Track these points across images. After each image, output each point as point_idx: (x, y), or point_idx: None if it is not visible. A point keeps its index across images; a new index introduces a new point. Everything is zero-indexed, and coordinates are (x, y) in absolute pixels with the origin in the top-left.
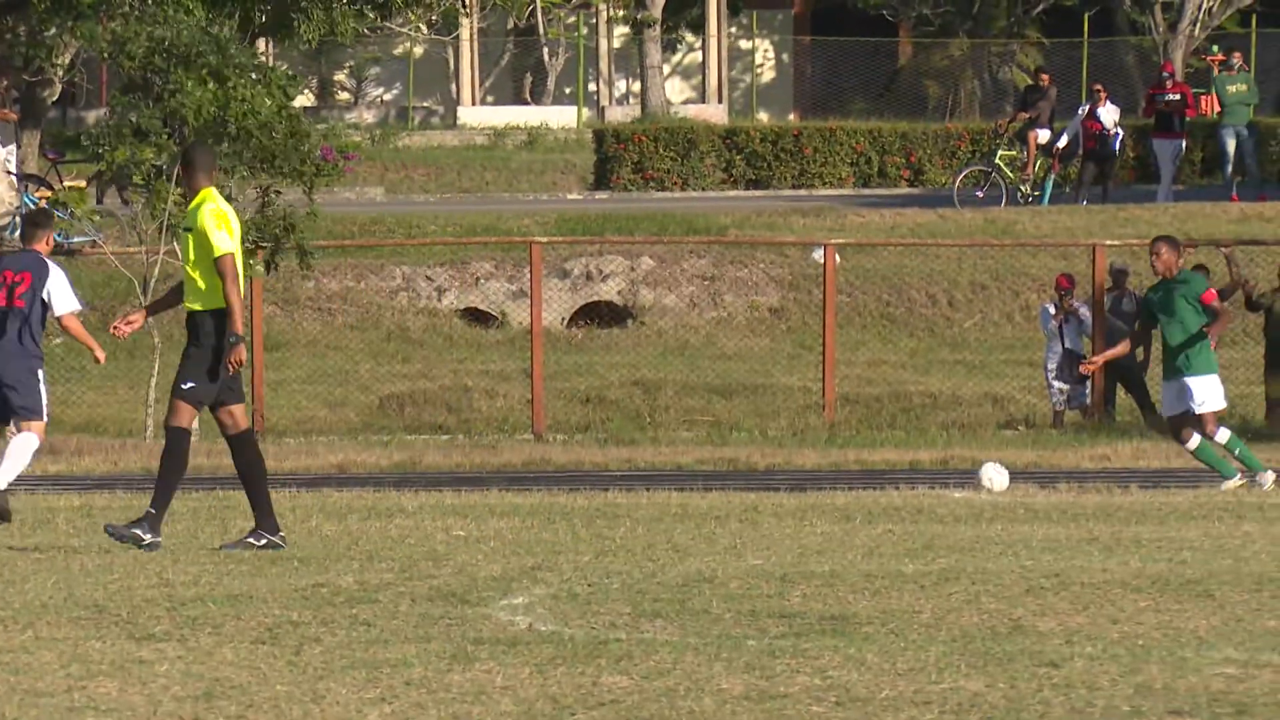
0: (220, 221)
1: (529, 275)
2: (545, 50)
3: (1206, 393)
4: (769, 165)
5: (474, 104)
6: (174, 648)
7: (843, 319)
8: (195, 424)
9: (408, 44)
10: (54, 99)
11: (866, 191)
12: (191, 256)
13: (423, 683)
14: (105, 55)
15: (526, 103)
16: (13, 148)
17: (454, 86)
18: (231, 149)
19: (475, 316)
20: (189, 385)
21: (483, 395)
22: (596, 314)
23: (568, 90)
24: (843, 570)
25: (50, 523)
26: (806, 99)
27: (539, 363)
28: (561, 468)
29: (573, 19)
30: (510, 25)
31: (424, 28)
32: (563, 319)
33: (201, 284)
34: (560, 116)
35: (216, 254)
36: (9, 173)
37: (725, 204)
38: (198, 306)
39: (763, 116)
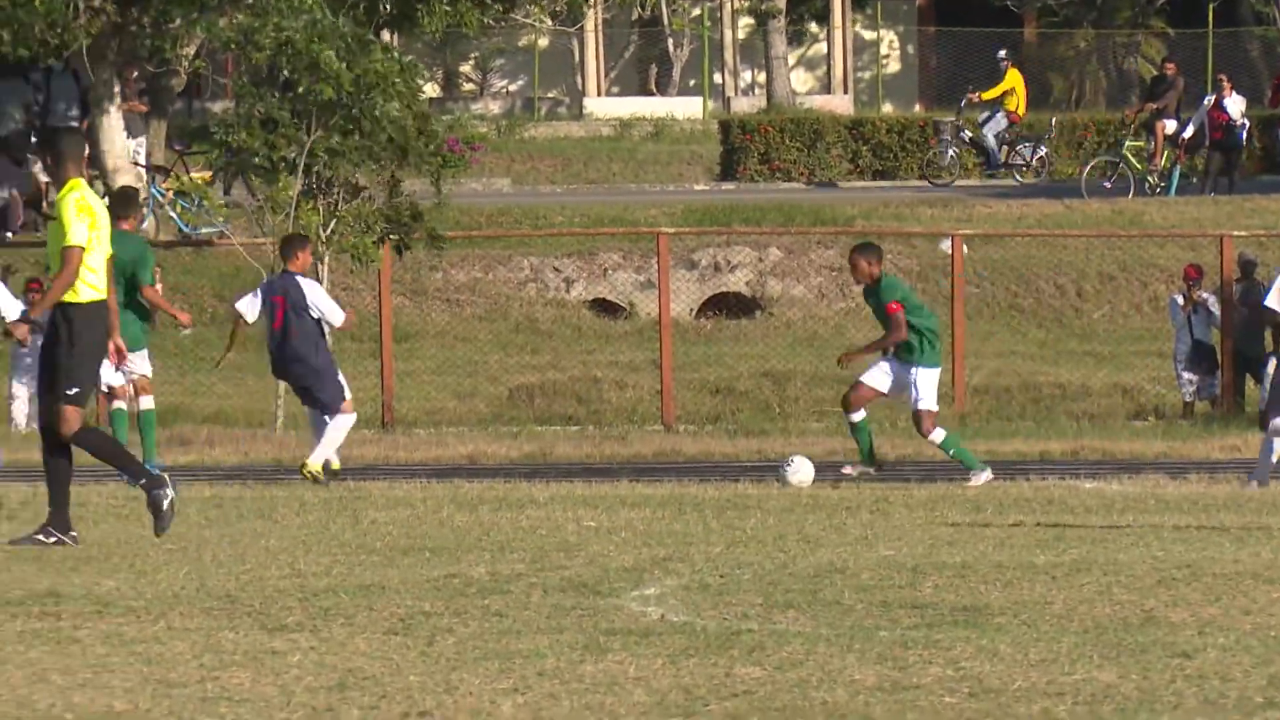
0: (81, 211)
1: (656, 266)
2: (670, 41)
3: None
4: (895, 156)
5: (599, 95)
6: (307, 638)
7: (971, 310)
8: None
9: (533, 35)
10: (180, 90)
11: (994, 183)
12: (53, 248)
13: (555, 673)
14: (232, 47)
15: (652, 94)
16: (141, 139)
17: (579, 78)
18: (360, 142)
19: (603, 307)
20: (75, 391)
21: (612, 386)
22: (724, 305)
23: (692, 82)
24: (974, 561)
25: (182, 513)
26: (931, 90)
27: (668, 354)
28: (691, 459)
29: (697, 10)
30: (635, 16)
31: (548, 19)
32: (691, 310)
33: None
34: (685, 107)
35: (66, 243)
36: (137, 164)
37: (852, 195)
38: (66, 297)
39: (887, 107)
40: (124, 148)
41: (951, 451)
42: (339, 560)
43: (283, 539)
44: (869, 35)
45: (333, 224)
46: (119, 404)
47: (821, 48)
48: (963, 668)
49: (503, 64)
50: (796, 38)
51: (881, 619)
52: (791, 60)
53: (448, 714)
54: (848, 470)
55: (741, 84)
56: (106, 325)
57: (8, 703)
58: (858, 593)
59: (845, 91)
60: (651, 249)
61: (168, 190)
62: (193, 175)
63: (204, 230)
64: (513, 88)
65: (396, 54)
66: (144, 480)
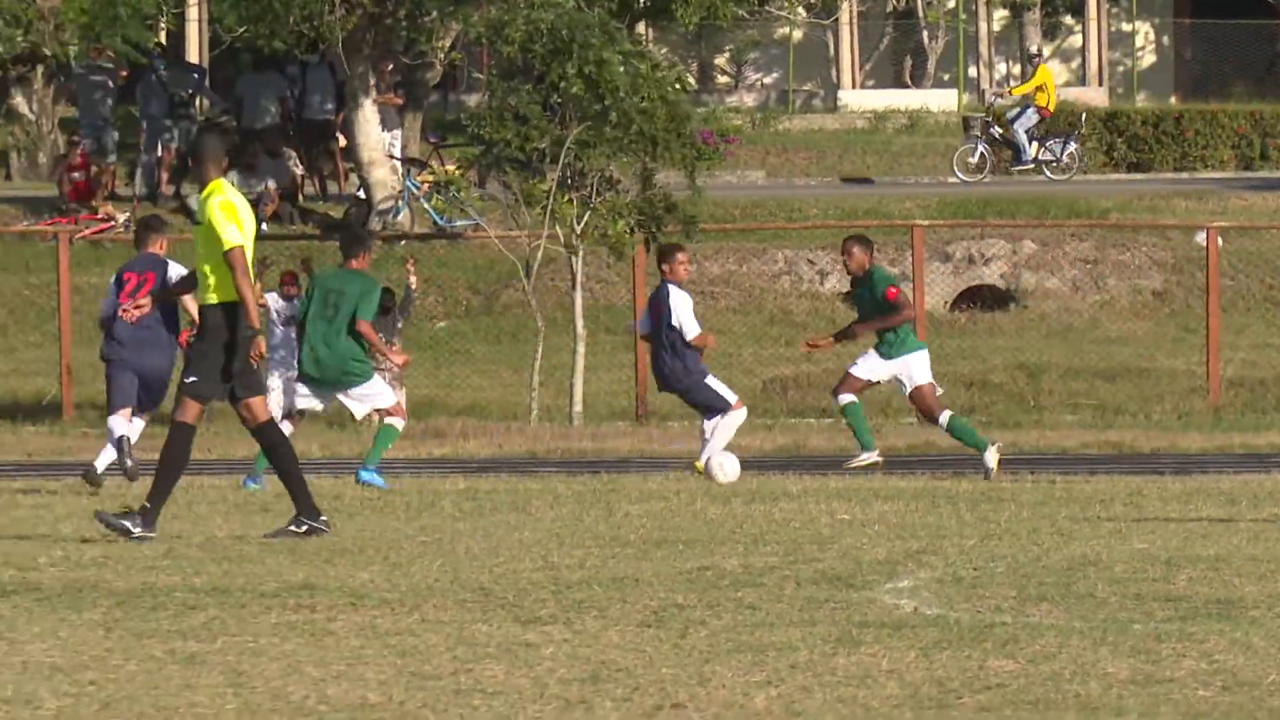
0: (229, 214)
1: (911, 259)
2: (925, 34)
3: None
4: (1150, 148)
5: (854, 87)
6: (560, 631)
7: (1226, 302)
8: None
9: (787, 28)
10: (435, 83)
11: (1249, 175)
12: (200, 250)
13: (808, 666)
14: (484, 40)
15: (906, 86)
16: (396, 132)
17: (834, 70)
18: (612, 134)
19: None
20: (192, 380)
21: None
22: (979, 297)
23: (946, 75)
24: (1228, 554)
25: (436, 506)
26: (1187, 82)
27: None
28: (944, 452)
29: (952, 3)
30: (889, 8)
31: (803, 11)
32: (945, 302)
33: (210, 277)
34: (940, 100)
35: (225, 248)
36: (392, 157)
37: (1106, 187)
38: (207, 300)
39: (1143, 99)
40: (379, 141)
41: (962, 436)
42: (592, 553)
43: (536, 532)
44: (1125, 27)
45: (587, 216)
46: (392, 421)
47: (1076, 40)
48: (1216, 661)
49: (757, 57)
50: (1051, 30)
51: (1135, 612)
52: (1046, 52)
53: (700, 706)
54: (853, 465)
55: (996, 76)
56: (243, 325)
57: (262, 694)
58: (1111, 585)
59: (1100, 84)
60: (906, 242)
61: (423, 183)
62: (447, 168)
63: (458, 223)
64: (767, 80)
65: (644, 47)
66: (137, 519)
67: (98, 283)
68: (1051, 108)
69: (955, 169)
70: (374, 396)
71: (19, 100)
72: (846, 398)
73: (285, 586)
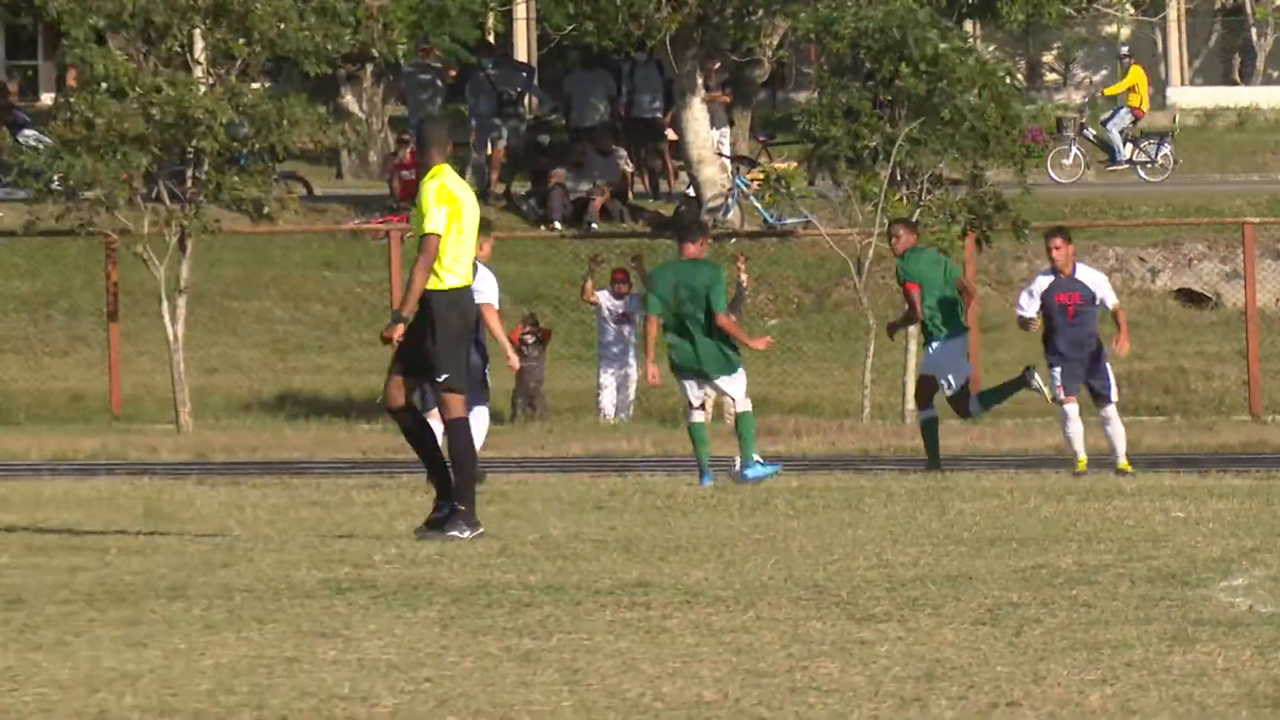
0: (440, 200)
1: (1242, 256)
2: (1253, 30)
3: None
4: None
5: (1183, 84)
6: (894, 628)
7: None
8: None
9: (1115, 26)
10: (763, 80)
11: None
12: (415, 233)
13: (1143, 664)
14: (813, 37)
15: (1235, 83)
16: (725, 130)
17: (1163, 67)
18: (943, 131)
19: (1189, 297)
20: (445, 377)
21: (1198, 376)
22: None
23: (1275, 73)
24: None
25: (769, 504)
26: None
27: (1254, 344)
28: (1278, 449)
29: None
30: (1217, 6)
31: (1130, 8)
32: (1277, 300)
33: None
34: (1271, 97)
35: (423, 231)
36: (721, 155)
37: None
38: (430, 286)
39: None
40: (708, 139)
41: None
42: (926, 551)
43: (869, 529)
44: None
45: (916, 214)
46: (698, 416)
47: None
48: None
49: (1085, 54)
50: None
51: None
52: None
53: (1035, 704)
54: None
55: None
56: (470, 312)
57: (597, 691)
58: None
59: None
60: (1237, 239)
61: (752, 181)
62: (776, 166)
63: (788, 220)
64: (1095, 78)
65: (971, 43)
66: (463, 508)
67: None
68: (1145, 108)
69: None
70: (740, 385)
71: (349, 99)
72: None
73: (620, 584)
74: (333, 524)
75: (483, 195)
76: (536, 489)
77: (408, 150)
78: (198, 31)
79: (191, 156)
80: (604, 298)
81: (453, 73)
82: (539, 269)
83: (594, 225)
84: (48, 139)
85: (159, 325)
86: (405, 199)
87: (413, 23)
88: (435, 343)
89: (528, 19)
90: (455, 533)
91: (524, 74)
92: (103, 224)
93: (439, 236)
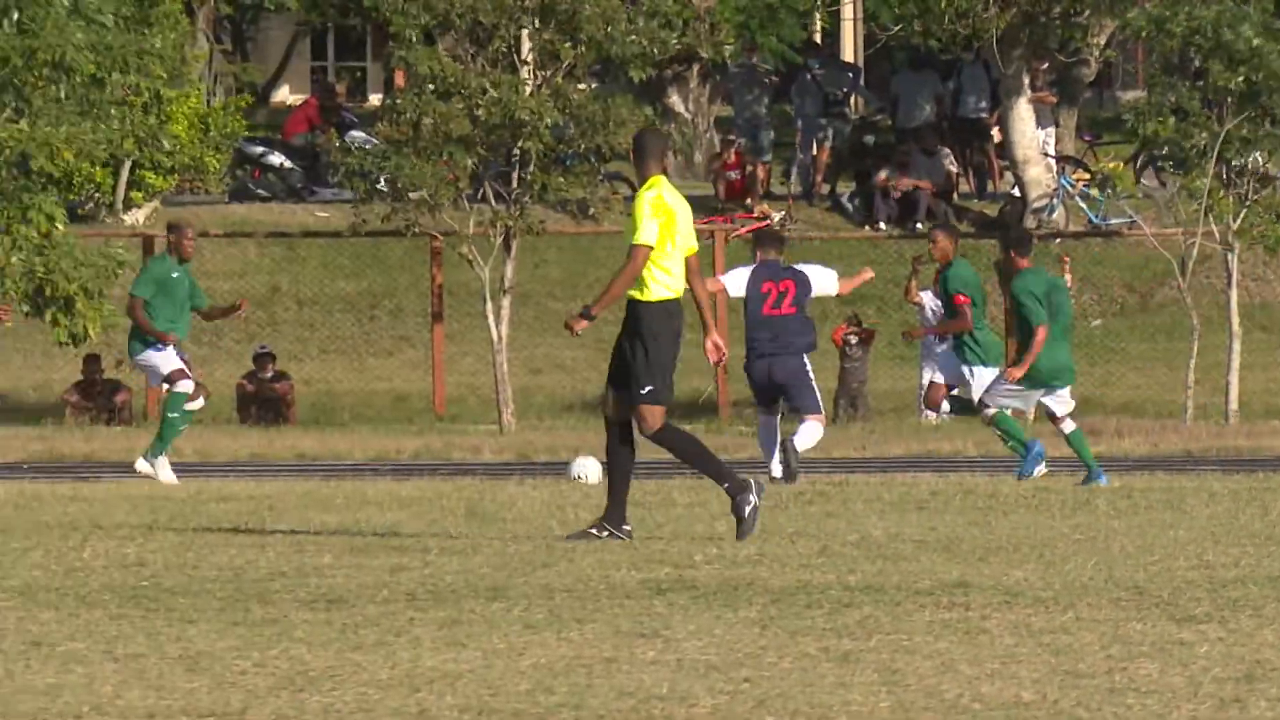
0: (656, 211)
1: None
2: None
3: None
4: None
5: None
6: (1214, 629)
7: None
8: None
9: None
10: (1089, 80)
11: None
12: (627, 241)
13: None
14: (1142, 36)
15: None
16: (1050, 129)
17: None
18: (1271, 130)
19: None
20: (649, 389)
21: None
22: None
23: None
24: None
25: (1090, 504)
26: None
27: None
28: None
29: None
30: None
31: None
32: None
33: (640, 274)
34: None
35: (633, 240)
36: (1045, 154)
37: None
38: (636, 295)
39: None
40: (1033, 139)
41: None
42: (1248, 552)
43: (1191, 530)
44: None
45: (1243, 213)
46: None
47: None
48: None
49: None
50: None
51: None
52: None
53: None
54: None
55: None
56: (679, 324)
57: (915, 692)
58: None
59: None
60: None
61: (1077, 181)
62: (1102, 165)
63: (1113, 220)
64: None
65: None
66: (728, 484)
67: None
68: None
69: None
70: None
71: (675, 99)
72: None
73: (939, 584)
74: (653, 524)
75: (807, 196)
76: (858, 489)
77: (732, 151)
78: (525, 32)
79: (517, 157)
80: (927, 298)
81: (775, 77)
82: None
83: (918, 225)
84: (374, 140)
85: (483, 326)
86: (729, 199)
87: (739, 23)
88: (643, 354)
89: (855, 19)
90: (592, 530)
91: (850, 74)
92: (428, 225)
93: (649, 249)
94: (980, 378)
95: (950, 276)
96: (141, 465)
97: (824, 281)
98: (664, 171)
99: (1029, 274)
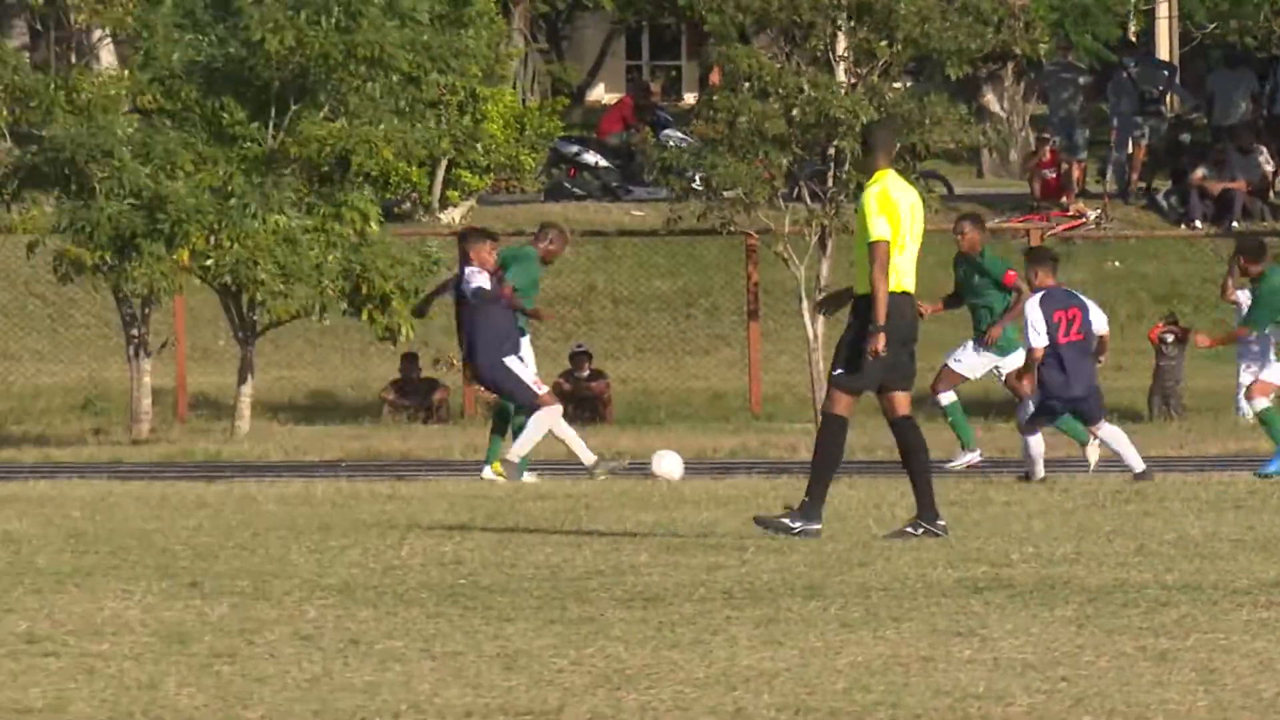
0: (883, 206)
1: None
2: None
3: None
4: None
5: None
6: None
7: None
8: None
9: None
10: None
11: None
12: (858, 238)
13: None
14: None
15: None
16: None
17: None
18: None
19: None
20: (839, 372)
21: None
22: None
23: None
24: None
25: None
26: None
27: None
28: None
29: None
30: None
31: None
32: None
33: (862, 268)
34: None
35: (869, 239)
36: None
37: None
38: (862, 290)
39: None
40: None
41: (951, 420)
42: None
43: None
44: None
45: None
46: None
47: None
48: None
49: None
50: None
51: None
52: None
53: None
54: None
55: None
56: (908, 314)
57: (1233, 691)
58: None
59: None
60: None
61: None
62: None
63: None
64: None
65: None
66: (806, 501)
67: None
68: None
69: None
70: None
71: (990, 98)
72: (948, 396)
73: (1257, 583)
74: (970, 522)
75: (1123, 194)
76: (1174, 488)
77: (1048, 149)
78: (841, 31)
79: (833, 156)
80: (1244, 297)
81: (1091, 75)
82: (1179, 267)
83: (1234, 224)
84: (689, 138)
85: (799, 324)
86: (1044, 198)
87: (1054, 21)
88: (853, 339)
89: (1169, 17)
90: (789, 523)
91: (1166, 72)
92: (743, 223)
93: (886, 243)
94: None
95: (989, 260)
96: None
97: (1099, 320)
98: (890, 165)
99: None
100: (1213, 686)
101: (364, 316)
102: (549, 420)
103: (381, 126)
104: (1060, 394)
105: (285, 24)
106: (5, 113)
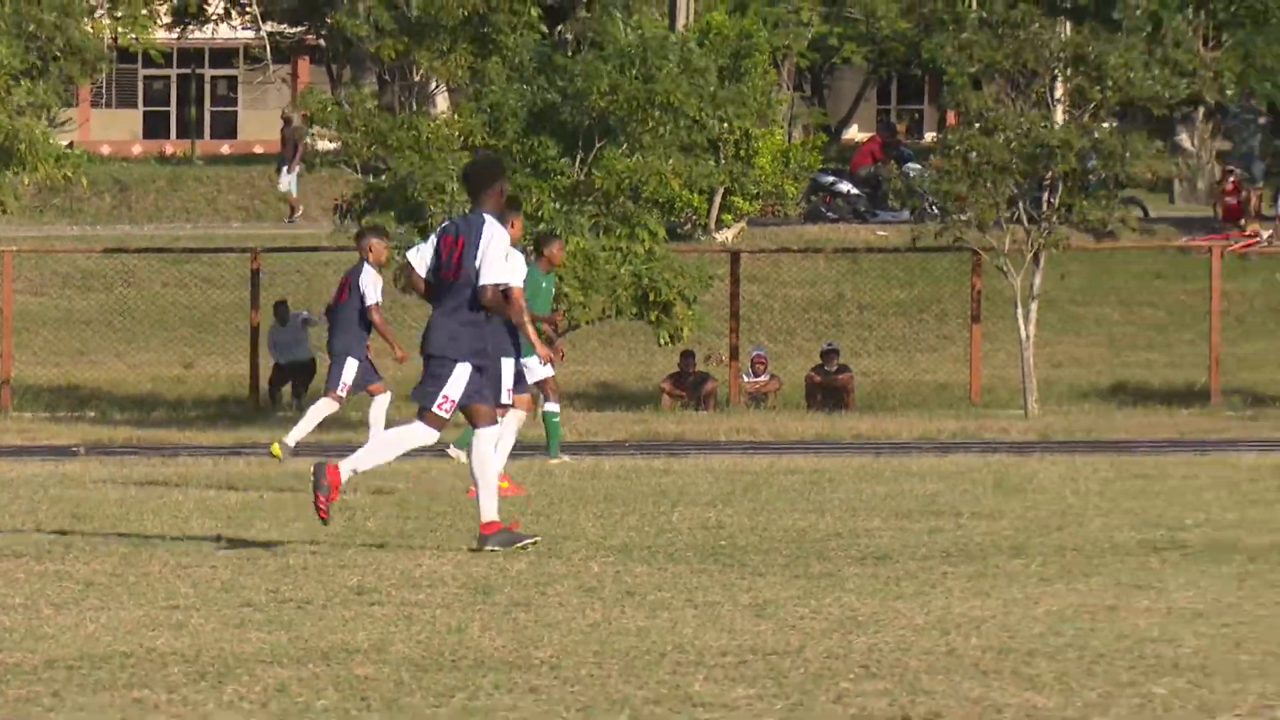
0: None
1: None
2: None
3: None
4: None
5: None
6: None
7: None
8: None
9: None
10: None
11: None
12: None
13: None
14: None
15: None
16: None
17: None
18: None
19: None
20: None
21: None
22: None
23: None
24: None
25: None
26: None
27: None
28: None
29: None
30: None
31: None
32: None
33: None
34: None
35: None
36: None
37: None
38: None
39: None
40: None
41: None
42: None
43: None
44: None
45: None
46: None
47: None
48: None
49: None
50: None
51: None
52: None
53: None
54: None
55: None
56: None
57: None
58: None
59: None
60: None
61: None
62: None
63: None
64: None
65: None
66: None
67: (1242, 289)
68: None
69: None
70: None
71: (1183, 136)
72: None
73: None
74: (1154, 494)
75: None
76: None
77: (1231, 179)
78: (1059, 78)
79: (1048, 183)
80: None
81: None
82: None
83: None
84: (928, 170)
85: (1014, 327)
86: (1227, 220)
87: (1240, 72)
88: None
89: None
90: None
91: None
92: (972, 241)
93: None
94: None
95: None
96: None
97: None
98: None
99: None
100: None
101: (652, 318)
102: (326, 410)
103: (670, 161)
104: None
105: (602, 74)
106: (365, 149)
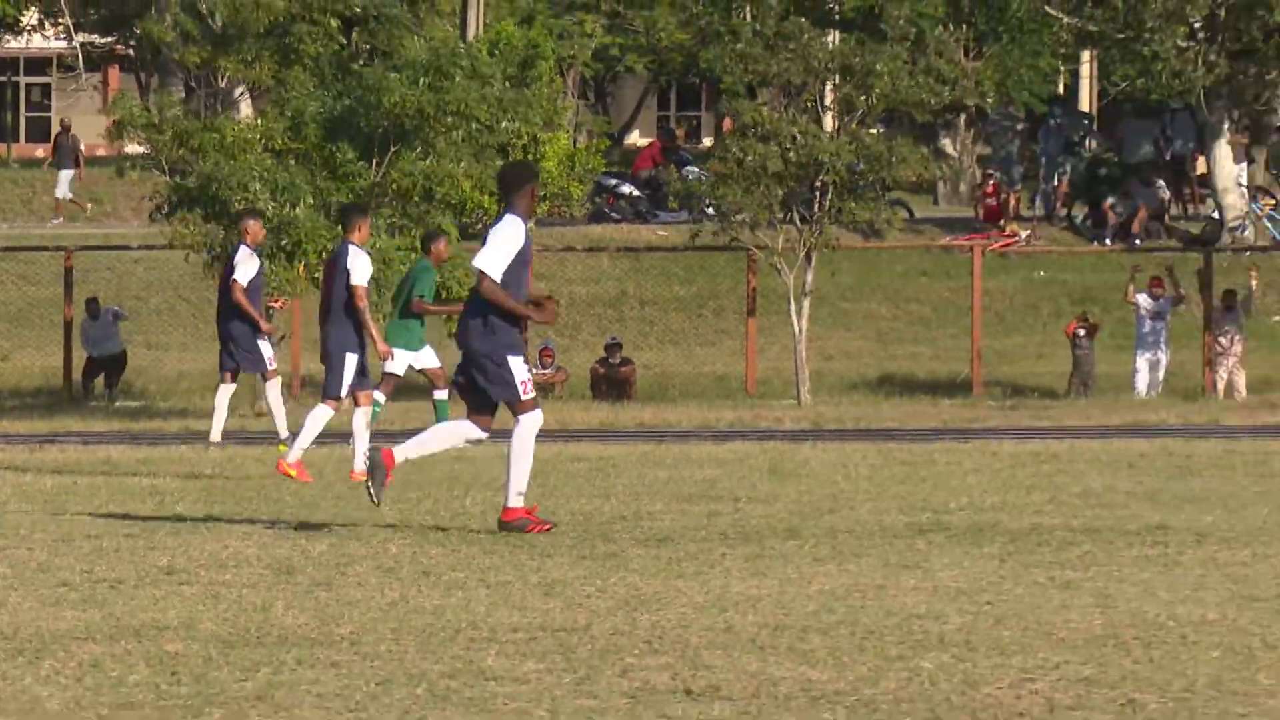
0: None
1: None
2: None
3: None
4: None
5: None
6: None
7: None
8: None
9: None
10: (1278, 125)
11: None
12: None
13: None
14: None
15: None
16: (1243, 165)
17: None
18: None
19: None
20: None
21: None
22: None
23: None
24: None
25: (1267, 463)
26: None
27: None
28: None
29: None
30: None
31: None
32: None
33: None
34: None
35: None
36: (1240, 185)
37: None
38: None
39: None
40: (1230, 173)
41: None
42: None
43: None
44: None
45: None
46: None
47: None
48: None
49: None
50: None
51: None
52: None
53: None
54: None
55: None
56: None
57: (1123, 613)
58: None
59: None
60: None
61: (1264, 205)
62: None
63: None
64: None
65: None
66: None
67: (1002, 286)
68: None
69: None
70: None
71: (945, 141)
72: None
73: (1144, 527)
74: (919, 479)
75: (1049, 218)
76: (1082, 452)
77: (990, 182)
78: (828, 87)
79: (819, 188)
80: (1142, 300)
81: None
82: (1092, 277)
83: (1137, 241)
84: (706, 174)
85: (787, 322)
86: (987, 220)
87: (998, 81)
88: None
89: (1090, 77)
90: None
91: (1086, 121)
92: (747, 240)
93: None
94: None
95: None
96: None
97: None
98: None
99: None
100: (1107, 609)
101: (444, 320)
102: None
103: (462, 164)
104: None
105: (392, 86)
106: (173, 151)
